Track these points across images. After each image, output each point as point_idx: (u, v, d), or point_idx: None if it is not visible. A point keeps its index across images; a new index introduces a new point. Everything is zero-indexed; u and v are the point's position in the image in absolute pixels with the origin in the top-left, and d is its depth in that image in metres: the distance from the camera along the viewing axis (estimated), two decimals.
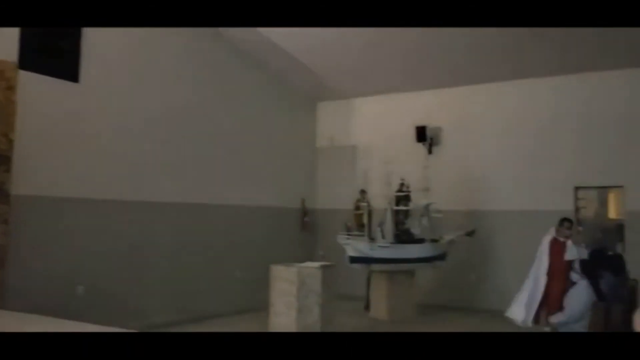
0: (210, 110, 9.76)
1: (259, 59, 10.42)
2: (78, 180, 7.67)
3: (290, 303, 7.26)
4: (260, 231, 10.56)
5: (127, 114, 8.39)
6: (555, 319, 6.68)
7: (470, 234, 9.77)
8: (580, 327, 6.01)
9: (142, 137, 8.57)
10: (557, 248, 7.28)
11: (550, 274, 7.22)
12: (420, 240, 9.56)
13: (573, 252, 7.21)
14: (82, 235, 7.71)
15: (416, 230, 9.69)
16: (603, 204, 10.02)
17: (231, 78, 10.18)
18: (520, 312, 7.22)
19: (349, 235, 9.32)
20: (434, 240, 9.61)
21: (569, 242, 7.26)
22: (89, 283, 7.68)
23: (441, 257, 9.70)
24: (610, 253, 7.85)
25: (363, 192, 10.18)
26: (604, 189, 9.86)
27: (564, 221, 7.51)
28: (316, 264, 7.59)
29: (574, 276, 6.83)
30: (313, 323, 7.22)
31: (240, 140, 10.32)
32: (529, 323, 7.09)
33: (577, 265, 6.68)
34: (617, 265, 7.21)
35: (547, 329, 6.81)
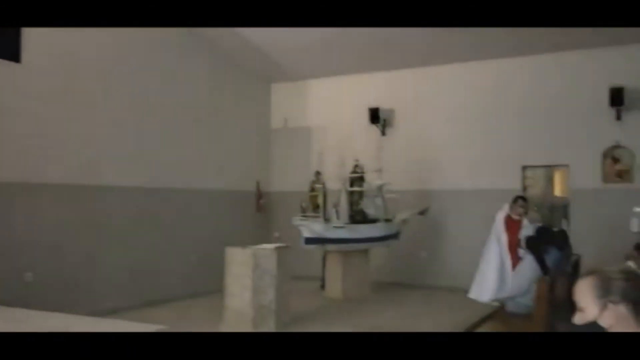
0: (162, 93, 9.58)
1: (210, 40, 10.27)
2: (23, 164, 7.45)
3: (245, 285, 7.28)
4: (216, 214, 10.50)
5: (73, 96, 8.15)
6: (503, 293, 6.87)
7: (422, 212, 9.97)
8: (526, 301, 6.21)
9: (89, 119, 8.36)
10: (510, 225, 7.43)
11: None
12: (374, 220, 9.70)
13: (528, 231, 7.38)
14: (30, 220, 7.51)
15: (370, 211, 9.82)
16: (549, 182, 10.34)
17: (183, 60, 10.01)
18: (490, 294, 7.27)
19: (304, 216, 9.37)
20: (388, 220, 9.77)
21: (525, 221, 7.40)
22: (38, 269, 7.52)
23: (394, 236, 9.87)
24: (555, 229, 8.13)
25: (318, 173, 10.22)
26: (550, 168, 10.18)
27: (518, 199, 7.62)
28: (271, 246, 7.62)
29: (520, 252, 7.02)
30: (268, 304, 7.27)
31: (193, 123, 10.19)
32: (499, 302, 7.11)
33: (522, 242, 6.86)
34: (561, 240, 7.48)
35: (495, 303, 7.02)
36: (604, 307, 2.02)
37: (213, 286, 8.75)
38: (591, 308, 2.07)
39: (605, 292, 2.03)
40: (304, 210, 9.54)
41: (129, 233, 8.85)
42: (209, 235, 10.08)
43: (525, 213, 7.68)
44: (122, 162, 8.80)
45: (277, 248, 7.49)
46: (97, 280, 8.33)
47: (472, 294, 7.42)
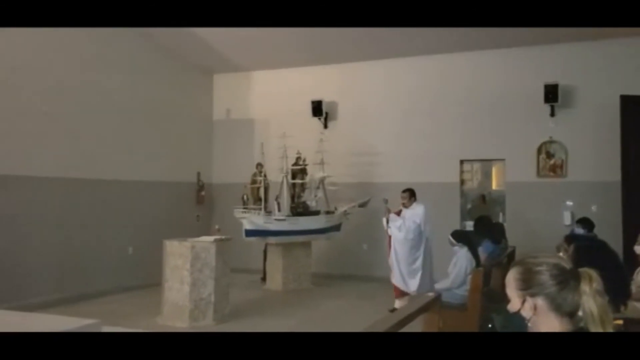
0: (101, 82, 9.26)
1: (151, 31, 9.95)
2: None
3: (183, 278, 7.15)
4: (155, 206, 10.26)
5: (4, 85, 7.78)
6: (440, 285, 6.97)
7: (363, 205, 10.03)
8: (462, 292, 6.32)
9: (23, 109, 8.00)
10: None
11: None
12: (315, 212, 9.72)
13: (384, 224, 7.92)
14: None
15: (312, 203, 9.84)
16: (487, 176, 10.59)
17: (123, 51, 9.71)
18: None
19: (245, 209, 9.29)
20: (329, 212, 9.80)
21: (389, 215, 7.90)
22: None
23: (336, 227, 9.92)
24: (493, 221, 8.35)
25: (260, 165, 10.15)
26: (487, 162, 10.42)
27: (403, 191, 8.09)
28: (210, 238, 7.51)
29: (455, 248, 6.96)
30: (207, 297, 7.17)
31: (133, 113, 9.91)
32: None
33: (450, 237, 6.84)
34: (498, 233, 7.68)
35: (430, 294, 7.11)
36: (523, 300, 2.06)
37: (151, 279, 8.55)
38: (514, 299, 2.10)
39: (526, 285, 2.06)
40: (245, 202, 9.46)
41: (62, 225, 8.54)
42: (147, 228, 9.84)
43: (403, 205, 7.95)
44: (57, 153, 8.49)
45: (217, 240, 7.38)
46: (25, 274, 7.98)
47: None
